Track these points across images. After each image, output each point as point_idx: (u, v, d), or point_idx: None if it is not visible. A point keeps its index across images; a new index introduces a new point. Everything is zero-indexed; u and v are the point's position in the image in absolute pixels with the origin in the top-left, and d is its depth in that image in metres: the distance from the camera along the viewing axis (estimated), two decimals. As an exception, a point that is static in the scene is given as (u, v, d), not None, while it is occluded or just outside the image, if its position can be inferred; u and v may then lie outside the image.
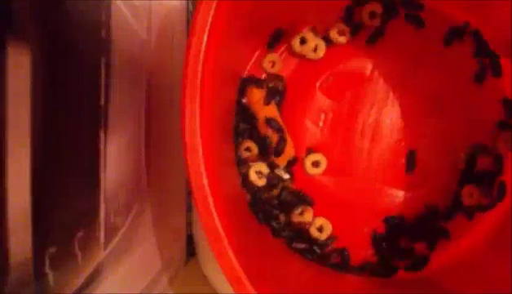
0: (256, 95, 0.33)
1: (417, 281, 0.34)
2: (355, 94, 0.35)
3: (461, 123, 0.35)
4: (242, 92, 0.33)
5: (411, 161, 0.35)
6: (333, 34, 0.34)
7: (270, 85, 0.34)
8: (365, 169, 0.35)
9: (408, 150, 0.35)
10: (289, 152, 0.34)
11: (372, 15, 0.34)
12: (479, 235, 0.35)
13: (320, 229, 0.34)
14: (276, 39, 0.34)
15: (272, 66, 0.35)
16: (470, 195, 0.34)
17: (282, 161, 0.34)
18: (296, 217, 0.34)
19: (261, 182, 0.34)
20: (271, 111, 0.34)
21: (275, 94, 0.34)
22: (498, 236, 0.34)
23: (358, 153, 0.35)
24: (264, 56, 0.34)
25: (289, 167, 0.34)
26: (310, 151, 0.35)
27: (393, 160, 0.35)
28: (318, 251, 0.34)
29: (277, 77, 0.35)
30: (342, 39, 0.35)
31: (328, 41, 0.35)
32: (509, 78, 0.34)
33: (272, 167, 0.34)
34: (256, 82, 0.34)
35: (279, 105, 0.34)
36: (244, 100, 0.33)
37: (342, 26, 0.34)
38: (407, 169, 0.35)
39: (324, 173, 0.35)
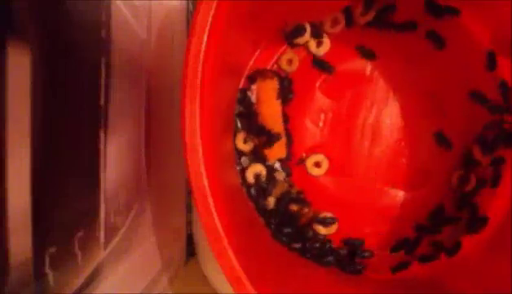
0: (268, 86, 0.33)
1: (418, 281, 0.34)
2: (355, 94, 0.35)
3: (460, 123, 0.35)
4: (250, 82, 0.34)
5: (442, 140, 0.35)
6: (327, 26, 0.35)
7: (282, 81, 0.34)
8: (365, 169, 0.35)
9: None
10: (280, 150, 0.34)
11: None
12: (479, 235, 0.35)
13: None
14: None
15: (290, 64, 0.35)
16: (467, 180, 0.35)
17: (272, 158, 0.34)
18: (293, 207, 0.34)
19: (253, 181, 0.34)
20: (276, 106, 0.34)
21: (286, 91, 0.34)
22: (498, 236, 0.34)
23: (358, 153, 0.35)
24: (281, 54, 0.35)
25: (284, 166, 0.35)
26: (310, 152, 0.35)
27: (393, 160, 0.35)
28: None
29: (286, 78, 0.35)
30: (332, 30, 0.35)
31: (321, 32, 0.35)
32: (509, 80, 0.34)
33: (269, 167, 0.34)
34: (270, 73, 0.34)
35: (284, 103, 0.34)
36: (253, 87, 0.33)
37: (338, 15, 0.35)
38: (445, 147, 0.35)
39: (325, 173, 0.35)
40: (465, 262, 0.34)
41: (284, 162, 0.35)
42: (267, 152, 0.34)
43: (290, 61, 0.35)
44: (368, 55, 0.35)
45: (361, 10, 0.34)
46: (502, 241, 0.33)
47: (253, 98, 0.34)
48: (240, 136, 0.34)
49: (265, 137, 0.33)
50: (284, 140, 0.34)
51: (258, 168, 0.34)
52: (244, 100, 0.34)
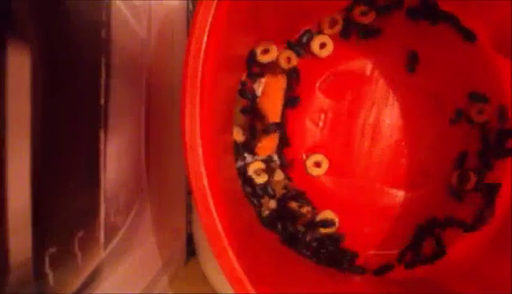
0: (279, 82, 0.34)
1: (417, 281, 0.34)
2: (355, 94, 0.35)
3: (460, 123, 0.35)
4: (257, 76, 0.34)
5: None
6: (324, 26, 0.35)
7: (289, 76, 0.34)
8: (365, 169, 0.35)
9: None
10: (270, 146, 0.34)
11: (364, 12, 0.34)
12: (479, 235, 0.35)
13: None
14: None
15: (288, 62, 0.35)
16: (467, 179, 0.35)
17: (262, 153, 0.34)
18: (292, 205, 0.34)
19: (260, 180, 0.34)
20: (279, 105, 0.34)
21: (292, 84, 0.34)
22: (498, 236, 0.34)
23: (358, 153, 0.35)
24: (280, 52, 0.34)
25: (269, 162, 0.35)
26: (310, 152, 0.35)
27: (393, 160, 0.35)
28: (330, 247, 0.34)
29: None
30: (330, 32, 0.35)
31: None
32: (509, 80, 0.34)
33: (269, 166, 0.34)
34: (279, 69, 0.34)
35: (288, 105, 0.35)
36: (262, 80, 0.33)
37: (336, 17, 0.34)
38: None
39: (325, 173, 0.35)
40: (465, 262, 0.34)
41: (282, 162, 0.35)
42: (258, 145, 0.34)
43: (289, 59, 0.35)
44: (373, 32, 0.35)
45: (362, 9, 0.34)
46: (502, 241, 0.33)
47: (259, 91, 0.34)
48: (237, 129, 0.34)
49: (262, 126, 0.33)
50: (275, 136, 0.34)
51: (258, 165, 0.34)
52: (246, 91, 0.34)
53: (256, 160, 0.34)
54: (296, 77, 0.35)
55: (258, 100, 0.34)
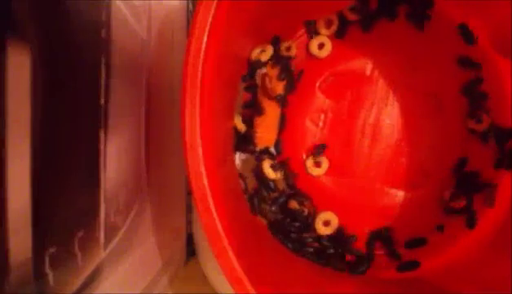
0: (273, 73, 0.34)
1: (417, 281, 0.34)
2: (355, 94, 0.35)
3: (460, 123, 0.35)
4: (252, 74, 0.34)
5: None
6: (321, 27, 0.35)
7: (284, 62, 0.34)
8: (365, 169, 0.35)
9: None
10: (270, 137, 0.34)
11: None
12: (479, 235, 0.35)
13: (326, 224, 0.35)
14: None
15: (288, 51, 0.35)
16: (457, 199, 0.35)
17: (261, 144, 0.34)
18: (293, 204, 0.34)
19: (273, 175, 0.34)
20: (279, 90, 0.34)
21: (288, 74, 0.34)
22: (498, 236, 0.34)
23: (358, 152, 0.35)
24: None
25: (267, 154, 0.35)
26: (310, 152, 0.35)
27: (393, 160, 0.35)
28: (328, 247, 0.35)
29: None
30: (326, 32, 0.35)
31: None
32: (509, 80, 0.34)
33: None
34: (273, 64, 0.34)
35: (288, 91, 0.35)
36: (262, 71, 0.34)
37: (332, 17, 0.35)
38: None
39: (325, 173, 0.35)
40: (465, 262, 0.34)
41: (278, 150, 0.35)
42: (257, 136, 0.34)
43: (288, 48, 0.35)
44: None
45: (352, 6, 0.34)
46: (502, 241, 0.33)
47: (258, 81, 0.34)
48: (238, 117, 0.34)
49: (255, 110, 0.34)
50: (275, 127, 0.34)
51: (270, 162, 0.34)
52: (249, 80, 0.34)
53: (267, 157, 0.34)
54: (298, 75, 0.35)
55: (258, 90, 0.34)
